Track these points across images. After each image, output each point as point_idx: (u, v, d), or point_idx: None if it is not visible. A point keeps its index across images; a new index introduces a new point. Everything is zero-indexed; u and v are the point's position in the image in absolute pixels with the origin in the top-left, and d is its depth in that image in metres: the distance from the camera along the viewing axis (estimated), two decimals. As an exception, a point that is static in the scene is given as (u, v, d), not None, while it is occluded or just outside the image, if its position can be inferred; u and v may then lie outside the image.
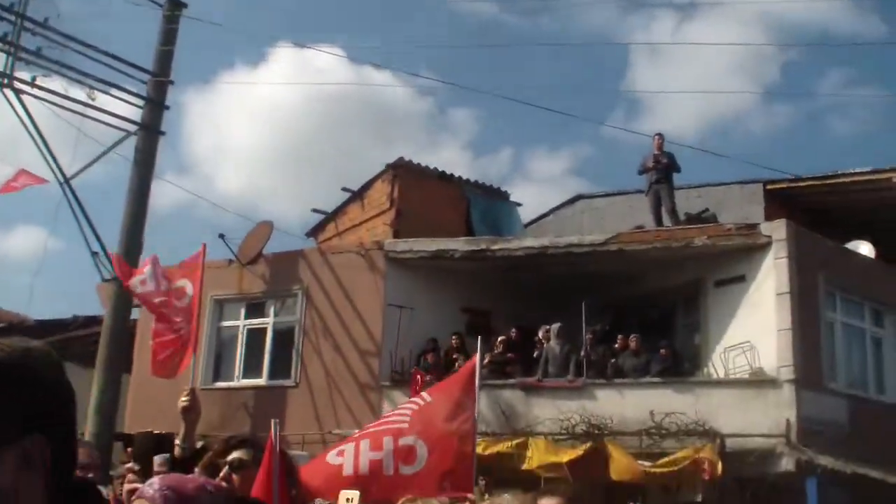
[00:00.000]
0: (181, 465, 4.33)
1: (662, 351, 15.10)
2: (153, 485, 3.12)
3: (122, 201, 15.90)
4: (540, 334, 15.75)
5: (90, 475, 4.84)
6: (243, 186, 56.43)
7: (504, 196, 20.25)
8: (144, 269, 8.00)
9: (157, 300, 7.63)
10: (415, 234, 17.05)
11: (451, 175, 19.40)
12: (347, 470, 4.87)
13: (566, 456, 13.60)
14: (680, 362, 15.45)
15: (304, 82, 45.01)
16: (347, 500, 3.01)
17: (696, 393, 14.47)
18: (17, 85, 14.80)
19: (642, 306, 16.92)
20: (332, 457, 5.19)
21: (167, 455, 4.51)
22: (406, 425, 5.39)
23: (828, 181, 19.21)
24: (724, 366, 14.94)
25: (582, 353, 15.10)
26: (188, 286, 7.25)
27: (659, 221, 16.90)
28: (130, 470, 4.22)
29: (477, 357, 6.32)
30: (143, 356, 15.77)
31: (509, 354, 15.70)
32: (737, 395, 14.46)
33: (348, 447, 5.14)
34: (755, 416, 14.03)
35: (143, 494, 3.08)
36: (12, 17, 14.78)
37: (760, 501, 12.99)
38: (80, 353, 19.27)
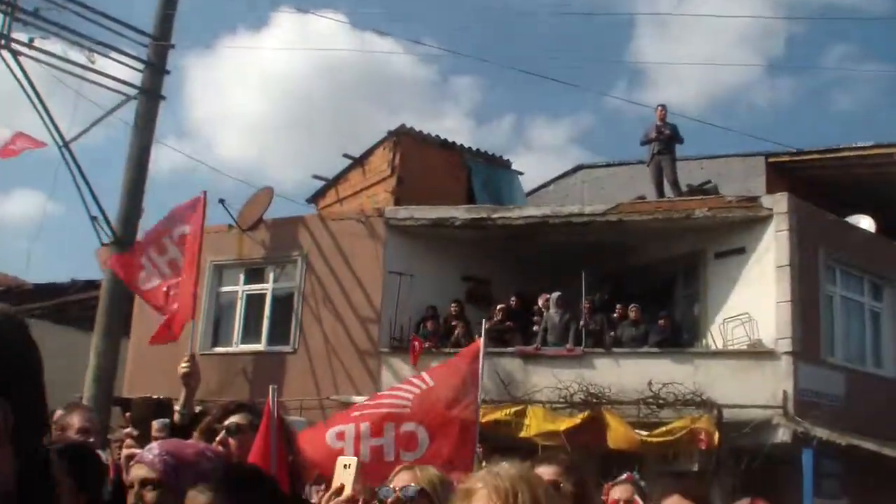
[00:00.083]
0: (180, 431, 4.32)
1: (661, 321, 15.12)
2: (152, 450, 3.12)
3: (122, 165, 15.82)
4: (540, 303, 15.77)
5: (91, 439, 4.84)
6: (244, 152, 56.35)
7: (506, 164, 20.18)
8: (140, 258, 7.56)
9: (164, 289, 7.28)
10: (416, 201, 17.01)
11: (453, 143, 19.32)
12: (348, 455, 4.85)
13: (564, 424, 13.66)
14: (679, 333, 15.48)
15: (307, 48, 44.75)
16: (345, 465, 2.98)
17: (694, 364, 14.51)
18: (15, 46, 14.63)
19: (642, 277, 16.93)
20: (331, 438, 5.16)
21: (166, 420, 4.50)
22: (408, 410, 5.37)
23: (830, 155, 19.17)
24: (722, 337, 14.98)
25: (581, 322, 15.12)
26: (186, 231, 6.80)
27: (660, 192, 16.87)
28: (129, 435, 4.20)
29: (481, 341, 6.24)
30: (142, 320, 15.80)
31: (508, 323, 15.71)
32: (735, 366, 14.50)
33: (348, 429, 5.11)
34: (752, 388, 14.08)
35: (142, 459, 3.08)
36: (10, -23, 14.61)
37: (756, 472, 13.05)
38: (78, 317, 19.31)
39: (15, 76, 14.58)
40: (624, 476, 4.83)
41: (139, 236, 15.78)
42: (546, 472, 4.22)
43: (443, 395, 5.62)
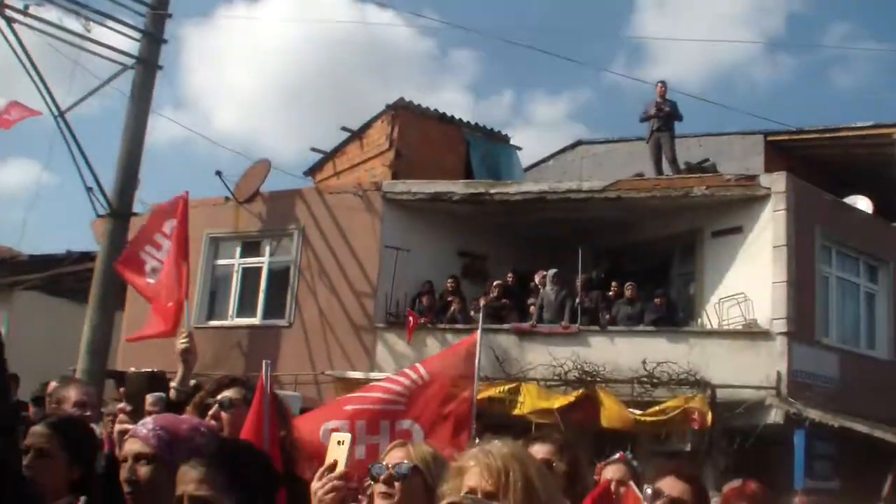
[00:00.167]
0: (176, 408, 4.31)
1: (657, 300, 15.11)
2: (147, 424, 3.11)
3: (118, 136, 15.74)
4: (536, 280, 15.76)
5: (87, 413, 4.83)
6: (241, 123, 56.16)
7: (504, 139, 20.10)
8: (139, 253, 7.50)
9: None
10: (413, 175, 16.95)
11: (452, 117, 19.22)
12: None
13: (558, 402, 13.69)
14: (674, 312, 15.48)
15: (306, 19, 44.46)
16: (339, 442, 2.97)
17: (689, 343, 14.53)
18: (9, 13, 14.50)
19: (639, 254, 16.93)
20: (325, 434, 5.13)
21: (160, 394, 4.49)
22: (403, 407, 5.36)
23: (829, 135, 19.15)
24: (717, 316, 14.99)
25: (577, 300, 15.12)
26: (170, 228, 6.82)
27: (659, 170, 16.84)
28: (122, 410, 4.19)
29: (478, 334, 6.18)
30: (137, 294, 15.74)
31: (504, 300, 15.70)
32: (729, 346, 14.52)
33: (342, 426, 5.07)
34: (746, 368, 14.10)
35: (136, 434, 3.07)
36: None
37: (748, 452, 13.09)
38: (72, 289, 19.27)
39: (9, 43, 14.47)
40: (617, 456, 4.84)
41: (135, 208, 15.77)
42: (539, 450, 4.22)
43: (438, 391, 5.60)
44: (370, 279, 16.13)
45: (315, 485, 2.88)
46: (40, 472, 3.41)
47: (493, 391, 13.67)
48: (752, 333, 14.44)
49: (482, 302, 15.55)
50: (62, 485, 3.42)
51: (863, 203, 17.27)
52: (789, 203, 14.76)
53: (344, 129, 19.57)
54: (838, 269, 15.83)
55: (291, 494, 3.31)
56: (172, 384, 4.85)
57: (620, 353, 14.54)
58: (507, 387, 13.97)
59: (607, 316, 15.21)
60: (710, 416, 13.36)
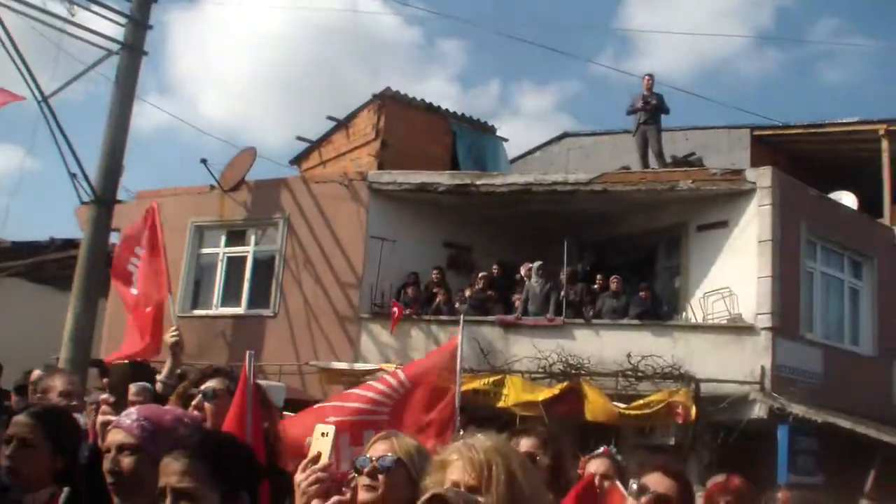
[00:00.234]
0: (163, 402, 4.28)
1: (642, 293, 15.12)
2: (130, 415, 3.08)
3: (103, 122, 15.62)
4: (522, 272, 15.75)
5: (73, 403, 4.80)
6: (227, 111, 55.90)
7: (491, 130, 20.08)
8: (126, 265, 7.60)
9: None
10: (399, 165, 16.91)
11: (438, 107, 19.18)
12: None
13: (542, 395, 13.67)
14: (659, 305, 15.51)
15: (293, 6, 44.28)
16: (322, 434, 2.95)
17: (673, 336, 14.56)
18: (-9, -4, 14.36)
19: (624, 248, 16.95)
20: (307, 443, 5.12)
21: (145, 384, 4.47)
22: (386, 417, 5.33)
23: (815, 130, 19.23)
24: (702, 311, 15.02)
25: (562, 293, 15.13)
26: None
27: (645, 163, 16.85)
28: (105, 402, 4.16)
29: (459, 337, 6.13)
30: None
31: (489, 292, 15.69)
32: (714, 340, 14.55)
33: (329, 430, 5.06)
34: (731, 363, 14.14)
35: (119, 424, 3.04)
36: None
37: (732, 447, 13.13)
38: (55, 276, 19.13)
39: (-9, 26, 14.31)
40: (601, 450, 4.83)
41: (119, 195, 15.67)
42: (523, 444, 4.22)
43: (421, 397, 5.59)
44: (355, 269, 16.08)
45: (299, 477, 2.86)
46: (23, 462, 3.39)
47: (477, 383, 13.66)
48: (736, 328, 14.48)
49: (467, 293, 15.55)
50: (45, 475, 3.40)
51: (848, 199, 17.34)
52: (775, 198, 14.79)
53: (330, 118, 19.51)
54: (823, 265, 15.89)
55: (275, 487, 3.30)
56: (159, 377, 4.82)
57: (605, 346, 14.56)
58: (491, 379, 13.96)
59: (591, 311, 15.21)
60: (693, 411, 13.38)
